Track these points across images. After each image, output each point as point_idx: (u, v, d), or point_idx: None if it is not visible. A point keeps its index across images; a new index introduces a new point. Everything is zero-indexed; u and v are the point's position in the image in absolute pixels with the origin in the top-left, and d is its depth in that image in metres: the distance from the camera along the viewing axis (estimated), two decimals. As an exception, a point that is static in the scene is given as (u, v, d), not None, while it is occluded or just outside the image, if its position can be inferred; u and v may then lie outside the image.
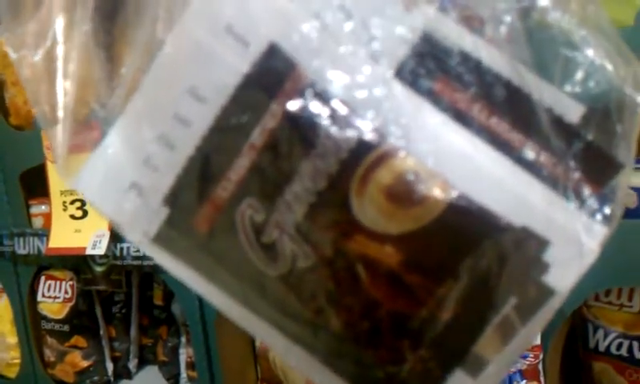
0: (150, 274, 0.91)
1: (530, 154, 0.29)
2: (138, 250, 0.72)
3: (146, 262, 0.72)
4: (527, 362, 0.66)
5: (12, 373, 0.97)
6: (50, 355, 0.92)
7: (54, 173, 0.79)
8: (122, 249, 0.74)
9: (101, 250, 0.72)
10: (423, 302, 0.29)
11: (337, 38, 0.28)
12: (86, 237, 0.75)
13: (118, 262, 0.75)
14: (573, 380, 0.73)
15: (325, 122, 0.28)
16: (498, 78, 0.29)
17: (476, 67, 0.29)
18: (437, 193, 0.28)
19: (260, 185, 0.29)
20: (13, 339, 0.95)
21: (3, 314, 0.96)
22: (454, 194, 0.28)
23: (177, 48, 0.30)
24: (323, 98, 0.28)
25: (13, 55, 0.35)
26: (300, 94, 0.28)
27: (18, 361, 0.95)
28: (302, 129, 0.28)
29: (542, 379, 0.67)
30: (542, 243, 0.28)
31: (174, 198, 0.31)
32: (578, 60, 0.30)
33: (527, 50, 0.30)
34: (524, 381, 0.67)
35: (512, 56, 0.29)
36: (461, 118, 0.29)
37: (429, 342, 0.29)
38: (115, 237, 0.73)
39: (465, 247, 0.28)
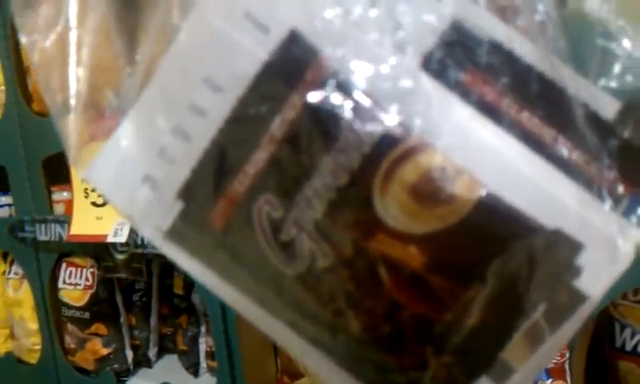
0: (170, 263, 0.90)
1: (562, 151, 0.27)
2: None
3: None
4: (553, 361, 0.64)
5: (33, 359, 0.97)
6: (70, 342, 0.92)
7: None
8: (143, 237, 0.73)
9: (122, 237, 0.72)
10: (448, 306, 0.27)
11: (361, 25, 0.27)
12: (108, 224, 0.75)
13: (139, 251, 0.74)
14: (598, 379, 0.71)
15: (347, 114, 0.27)
16: (530, 70, 0.28)
17: (507, 58, 0.28)
18: (464, 191, 0.26)
19: (278, 180, 0.28)
20: (34, 325, 0.95)
21: (24, 300, 0.96)
22: (482, 192, 0.26)
23: (193, 35, 0.29)
24: (346, 88, 0.27)
25: (24, 40, 0.34)
26: (321, 84, 0.27)
27: (38, 347, 0.96)
28: (323, 121, 0.27)
29: (567, 378, 0.66)
30: (575, 246, 0.27)
31: (188, 192, 0.30)
32: (616, 52, 0.28)
33: (562, 41, 0.28)
34: (550, 379, 0.66)
35: (546, 47, 0.28)
36: (490, 111, 0.27)
37: (453, 347, 0.28)
38: None
39: (493, 249, 0.27)
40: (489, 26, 0.28)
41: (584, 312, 0.27)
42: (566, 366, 0.65)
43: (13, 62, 0.84)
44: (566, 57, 0.28)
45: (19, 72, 0.84)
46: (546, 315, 0.27)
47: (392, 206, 0.27)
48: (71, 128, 0.34)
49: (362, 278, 0.28)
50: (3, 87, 0.86)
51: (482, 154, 0.27)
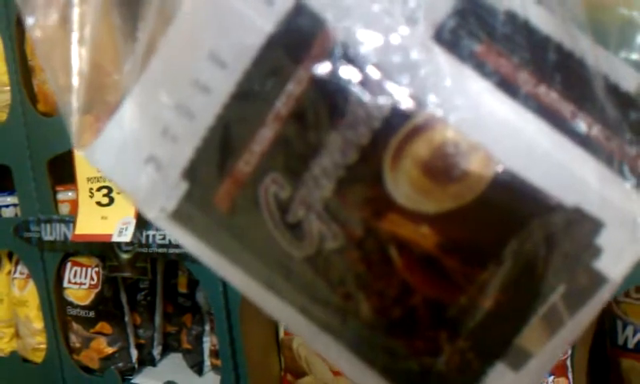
0: (174, 262, 0.91)
1: (582, 125, 0.26)
2: (163, 238, 0.71)
3: (171, 250, 0.72)
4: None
5: (38, 358, 0.97)
6: (75, 341, 0.92)
7: (81, 160, 0.78)
8: (147, 236, 0.73)
9: (127, 237, 0.72)
10: (462, 289, 0.26)
11: (370, -4, 0.26)
12: (112, 224, 0.74)
13: (144, 250, 0.74)
14: (600, 376, 0.70)
15: (355, 88, 0.25)
16: (547, 40, 0.27)
17: (524, 29, 0.26)
18: (479, 167, 0.25)
19: (285, 158, 0.27)
20: (39, 324, 0.95)
21: (29, 299, 0.96)
22: (498, 168, 0.25)
23: (196, 8, 0.28)
24: (354, 61, 0.25)
25: (29, 20, 0.33)
26: (328, 56, 0.26)
27: (44, 346, 0.96)
28: (330, 95, 0.26)
29: (569, 375, 0.64)
30: (596, 225, 0.25)
31: (193, 172, 0.29)
32: (638, 22, 0.27)
33: (581, 9, 0.27)
34: (552, 377, 0.64)
35: (564, 17, 0.26)
36: (506, 85, 0.26)
37: (468, 332, 0.27)
38: (141, 224, 0.72)
39: (509, 228, 0.25)
40: (503, -4, 0.27)
41: (604, 295, 0.26)
42: (568, 363, 0.64)
43: (18, 62, 0.84)
44: (585, 27, 0.27)
45: (24, 72, 0.84)
46: (564, 298, 0.26)
47: (403, 184, 0.26)
48: (74, 108, 0.33)
49: (372, 259, 0.27)
50: (9, 88, 0.86)
51: (497, 129, 0.26)
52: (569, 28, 0.27)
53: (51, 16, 0.33)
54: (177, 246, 0.70)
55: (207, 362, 0.88)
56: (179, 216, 0.30)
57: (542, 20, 0.26)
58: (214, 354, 0.85)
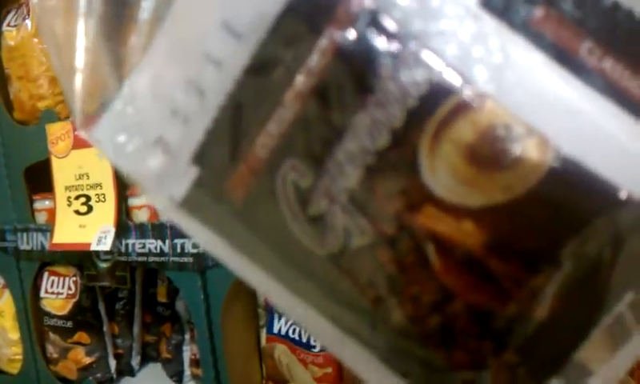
0: (154, 271, 0.89)
1: (655, 106, 0.22)
2: (143, 247, 0.70)
3: (151, 259, 0.70)
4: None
5: (14, 369, 0.97)
6: (52, 351, 0.92)
7: (58, 168, 0.78)
8: (127, 245, 0.72)
9: (106, 246, 0.71)
10: (512, 296, 0.22)
11: (405, -49, 0.22)
12: (91, 232, 0.74)
13: (123, 258, 0.73)
14: None
15: (387, 59, 0.22)
16: (616, 6, 0.23)
17: (587, -8, 0.23)
18: (534, 154, 0.21)
19: (305, 142, 0.23)
20: (15, 335, 0.95)
21: (6, 309, 0.96)
22: (557, 155, 0.21)
23: (207, -28, 0.25)
24: (385, 28, 0.22)
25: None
26: (355, 22, 0.22)
27: (20, 357, 0.95)
28: (356, 69, 0.22)
29: None
30: (672, 223, 0.22)
31: (203, 156, 0.26)
32: None
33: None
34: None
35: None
36: (566, 58, 0.23)
37: (518, 344, 0.23)
38: (120, 233, 0.71)
39: (570, 226, 0.22)
40: (565, -48, 0.23)
41: (680, 304, 0.22)
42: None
43: None
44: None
45: (0, 80, 0.83)
46: (632, 307, 0.23)
47: (443, 173, 0.22)
48: (77, 88, 0.30)
49: (406, 260, 0.23)
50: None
51: (556, 110, 0.22)
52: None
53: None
54: (156, 255, 0.69)
55: (187, 372, 0.87)
56: (189, 204, 0.26)
57: (611, -20, 0.22)
58: (194, 363, 0.84)
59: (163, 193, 0.27)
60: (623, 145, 0.22)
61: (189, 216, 0.27)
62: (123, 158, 0.28)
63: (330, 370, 0.66)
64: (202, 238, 0.27)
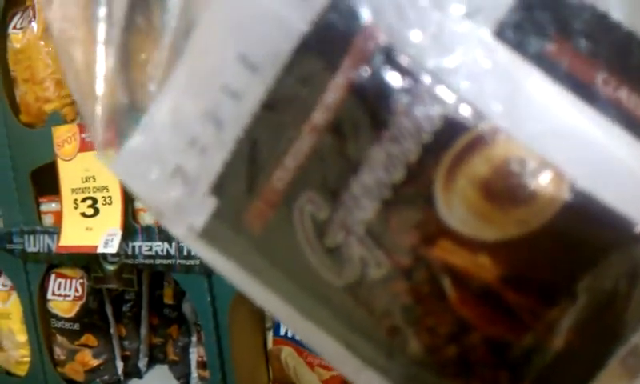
0: (160, 273, 0.89)
1: (672, 136, 0.22)
2: (150, 249, 0.70)
3: (158, 261, 0.70)
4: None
5: (22, 371, 0.97)
6: (59, 354, 0.92)
7: (64, 170, 0.78)
8: (133, 247, 0.72)
9: (112, 248, 0.71)
10: (528, 327, 0.22)
11: (419, -14, 0.22)
12: (97, 235, 0.74)
13: (130, 261, 0.73)
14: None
15: (402, 95, 0.22)
16: (629, 37, 0.23)
17: (602, 23, 0.23)
18: (549, 188, 0.21)
19: (322, 175, 0.24)
20: (22, 337, 0.95)
21: (13, 311, 0.96)
22: (572, 189, 0.21)
23: (223, 5, 0.25)
24: (399, 64, 0.22)
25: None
26: (370, 59, 0.22)
27: (27, 359, 0.95)
28: (371, 104, 0.22)
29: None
30: (689, 256, 0.21)
31: (222, 188, 0.26)
32: None
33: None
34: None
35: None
36: (582, 89, 0.22)
37: (534, 375, 0.23)
38: (127, 235, 0.71)
39: (585, 260, 0.22)
40: (578, -17, 0.23)
41: (697, 336, 0.22)
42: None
43: (0, 73, 0.84)
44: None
45: (6, 83, 0.83)
46: (649, 339, 0.22)
47: (458, 207, 0.22)
48: (98, 116, 0.30)
49: (422, 291, 0.23)
50: (-9, 98, 0.86)
51: (571, 142, 0.22)
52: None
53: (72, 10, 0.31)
54: (163, 257, 0.69)
55: (194, 374, 0.87)
56: (208, 234, 0.27)
57: (624, 13, 0.22)
58: (201, 365, 0.84)
59: (182, 223, 0.27)
60: (638, 176, 0.22)
61: (208, 246, 0.27)
62: (143, 188, 0.28)
63: (336, 372, 0.66)
64: (220, 266, 0.27)
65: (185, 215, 0.27)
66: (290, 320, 0.27)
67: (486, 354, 0.23)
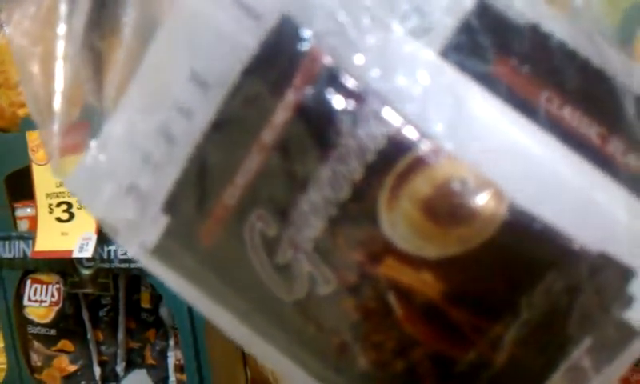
0: (137, 277, 0.89)
1: (611, 152, 0.23)
2: (125, 253, 0.70)
3: (133, 265, 0.70)
4: None
5: None
6: (36, 360, 0.91)
7: (39, 175, 0.77)
8: (109, 251, 0.72)
9: (88, 252, 0.71)
10: (472, 343, 0.23)
11: (364, 8, 0.23)
12: (73, 240, 0.73)
13: (105, 265, 0.73)
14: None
15: (346, 116, 0.22)
16: (572, 56, 0.23)
17: (545, 43, 0.23)
18: (489, 207, 0.22)
19: (271, 193, 0.24)
20: None
21: None
22: (511, 208, 0.22)
23: (176, 24, 0.25)
24: (344, 85, 0.22)
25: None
26: (315, 81, 0.22)
27: (3, 366, 0.95)
28: (317, 124, 0.23)
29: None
30: (625, 272, 0.22)
31: (173, 206, 0.26)
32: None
33: (609, 19, 0.23)
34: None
35: (590, 29, 0.23)
36: (525, 107, 0.23)
37: (479, 389, 0.24)
38: (102, 239, 0.71)
39: (527, 276, 0.22)
40: (521, 4, 0.23)
41: (636, 348, 0.23)
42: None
43: None
44: (615, 39, 0.23)
45: None
46: (590, 352, 0.23)
47: (401, 225, 0.22)
48: (55, 132, 0.30)
49: (368, 308, 0.24)
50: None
51: (511, 160, 0.22)
52: (597, 41, 0.23)
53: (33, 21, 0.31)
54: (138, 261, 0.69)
55: (172, 378, 0.87)
56: (160, 252, 0.27)
57: (565, 32, 0.23)
58: (179, 368, 0.84)
59: (135, 240, 0.27)
60: (578, 193, 0.22)
61: (160, 263, 0.27)
62: (98, 205, 0.28)
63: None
64: (174, 284, 0.27)
65: (138, 233, 0.27)
66: (241, 335, 0.27)
67: (432, 369, 0.24)
